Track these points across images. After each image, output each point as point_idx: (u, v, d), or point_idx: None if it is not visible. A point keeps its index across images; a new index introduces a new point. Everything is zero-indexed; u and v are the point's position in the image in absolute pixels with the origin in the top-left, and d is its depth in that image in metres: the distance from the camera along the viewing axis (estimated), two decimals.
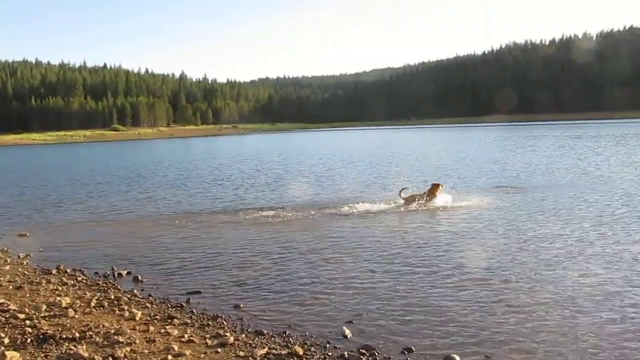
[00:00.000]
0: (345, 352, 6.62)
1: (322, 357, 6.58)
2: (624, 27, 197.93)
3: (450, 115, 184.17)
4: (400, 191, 18.15)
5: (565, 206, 17.08)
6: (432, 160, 38.69)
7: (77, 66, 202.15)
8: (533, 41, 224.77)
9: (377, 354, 6.62)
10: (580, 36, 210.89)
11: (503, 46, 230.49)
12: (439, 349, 6.79)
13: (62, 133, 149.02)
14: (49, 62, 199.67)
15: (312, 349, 6.85)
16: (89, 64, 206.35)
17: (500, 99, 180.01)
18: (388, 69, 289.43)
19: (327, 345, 6.99)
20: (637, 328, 7.23)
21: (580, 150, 42.87)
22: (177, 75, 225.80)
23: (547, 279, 9.57)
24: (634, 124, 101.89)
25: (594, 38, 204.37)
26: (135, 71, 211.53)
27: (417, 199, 17.74)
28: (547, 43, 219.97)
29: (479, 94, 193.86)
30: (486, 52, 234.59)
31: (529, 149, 48.12)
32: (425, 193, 18.04)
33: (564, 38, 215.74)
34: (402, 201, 17.89)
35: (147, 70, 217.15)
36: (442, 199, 17.99)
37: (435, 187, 18.18)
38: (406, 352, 6.74)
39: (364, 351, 6.68)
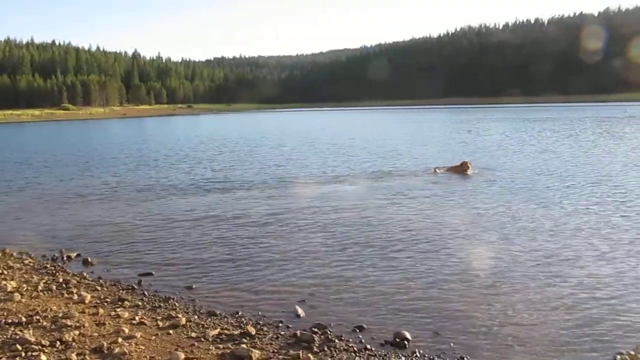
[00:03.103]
0: (298, 331, 6.69)
1: (275, 336, 6.63)
2: (574, 14, 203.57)
3: (405, 97, 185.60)
4: (435, 169, 21.84)
5: (512, 185, 17.61)
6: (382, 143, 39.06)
7: (23, 42, 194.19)
8: (488, 25, 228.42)
9: (329, 332, 6.71)
10: (532, 21, 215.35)
11: (458, 29, 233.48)
12: (390, 326, 6.94)
13: (8, 112, 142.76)
14: None
15: (265, 328, 6.89)
16: (37, 41, 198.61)
17: (456, 81, 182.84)
18: (344, 50, 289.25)
19: (280, 325, 7.04)
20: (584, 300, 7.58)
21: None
22: (130, 53, 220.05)
23: (496, 257, 9.87)
24: (582, 109, 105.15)
25: (546, 24, 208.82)
26: (86, 48, 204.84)
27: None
28: (500, 27, 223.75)
29: (434, 76, 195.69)
30: (442, 35, 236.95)
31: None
32: (458, 165, 21.46)
33: (517, 22, 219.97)
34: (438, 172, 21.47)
35: (98, 48, 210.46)
36: (471, 170, 21.15)
37: (465, 163, 21.44)
38: (357, 330, 6.85)
39: (316, 330, 6.76)
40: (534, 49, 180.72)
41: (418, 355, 6.13)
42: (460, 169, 20.90)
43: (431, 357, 6.04)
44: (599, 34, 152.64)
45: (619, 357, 5.94)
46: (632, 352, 5.95)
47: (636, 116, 66.94)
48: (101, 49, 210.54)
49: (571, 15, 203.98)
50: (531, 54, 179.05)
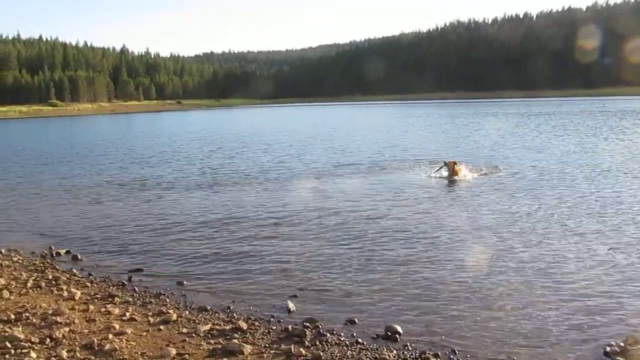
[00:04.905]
0: (290, 326, 6.68)
1: (266, 331, 6.62)
2: (563, 8, 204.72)
3: (396, 92, 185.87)
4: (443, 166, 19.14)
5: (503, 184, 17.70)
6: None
7: (10, 38, 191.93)
8: (476, 19, 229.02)
9: (320, 327, 6.70)
10: (521, 16, 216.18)
11: (447, 24, 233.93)
12: (381, 320, 6.95)
13: None
14: None
15: (256, 323, 6.88)
16: (23, 36, 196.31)
17: (446, 76, 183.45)
18: (334, 45, 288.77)
19: (271, 320, 7.04)
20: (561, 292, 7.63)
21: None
22: (118, 49, 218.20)
23: (489, 255, 9.92)
24: (568, 103, 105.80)
25: (534, 18, 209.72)
26: (74, 44, 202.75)
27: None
28: (489, 22, 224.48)
29: (425, 71, 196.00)
30: (431, 30, 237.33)
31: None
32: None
33: (506, 17, 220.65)
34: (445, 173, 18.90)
35: (85, 44, 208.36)
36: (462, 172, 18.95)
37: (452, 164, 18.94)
38: (349, 324, 6.86)
39: (307, 324, 6.76)
40: (525, 44, 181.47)
41: (409, 348, 6.14)
42: (451, 169, 18.58)
43: (422, 351, 6.05)
44: (593, 32, 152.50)
45: (608, 348, 5.99)
46: (622, 344, 6.00)
47: (611, 110, 67.51)
48: (89, 44, 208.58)
49: (559, 9, 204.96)
50: (522, 49, 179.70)
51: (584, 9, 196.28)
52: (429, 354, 5.95)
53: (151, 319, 6.96)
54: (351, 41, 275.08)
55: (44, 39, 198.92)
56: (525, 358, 5.90)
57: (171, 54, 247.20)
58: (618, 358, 5.79)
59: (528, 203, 14.05)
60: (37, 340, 6.12)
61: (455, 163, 18.82)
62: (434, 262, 9.35)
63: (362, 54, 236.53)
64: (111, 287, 8.49)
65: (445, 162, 19.18)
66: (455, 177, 18.28)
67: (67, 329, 6.48)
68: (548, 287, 7.94)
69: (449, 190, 16.71)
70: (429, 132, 42.90)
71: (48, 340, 6.14)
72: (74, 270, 9.47)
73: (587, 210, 12.92)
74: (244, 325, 6.68)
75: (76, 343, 6.11)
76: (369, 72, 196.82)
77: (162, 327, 6.70)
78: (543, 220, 12.15)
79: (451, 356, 5.96)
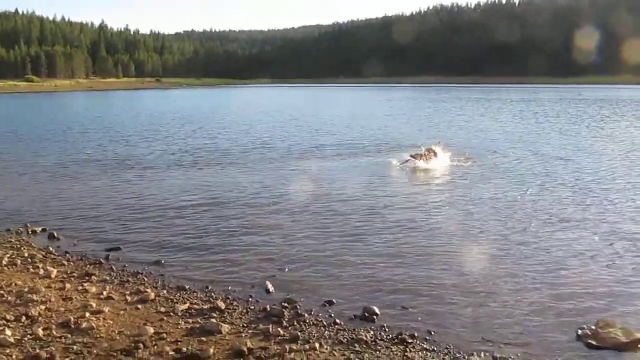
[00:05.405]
0: (268, 306, 6.71)
1: (245, 311, 6.64)
2: None
3: (379, 75, 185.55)
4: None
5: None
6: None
7: None
8: (459, 4, 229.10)
9: (299, 307, 6.75)
10: (503, 2, 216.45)
11: (430, 8, 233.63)
12: (359, 301, 7.02)
13: None
14: None
15: (235, 303, 6.90)
16: None
17: (430, 60, 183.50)
18: (317, 26, 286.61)
19: (250, 299, 7.06)
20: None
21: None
22: (97, 24, 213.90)
23: (466, 240, 10.06)
24: (547, 90, 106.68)
25: (517, 4, 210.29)
26: (51, 18, 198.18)
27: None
28: (472, 7, 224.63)
29: (407, 54, 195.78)
30: (414, 13, 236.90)
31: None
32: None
33: (488, 2, 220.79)
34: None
35: (63, 18, 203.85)
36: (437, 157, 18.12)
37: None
38: (327, 305, 6.91)
39: (286, 304, 6.81)
40: (507, 30, 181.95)
41: (386, 329, 6.20)
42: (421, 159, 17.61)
43: (399, 332, 6.11)
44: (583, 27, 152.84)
45: (580, 331, 6.13)
46: (593, 327, 6.14)
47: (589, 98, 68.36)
48: (66, 19, 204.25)
49: None
50: (504, 35, 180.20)
51: None
52: (405, 334, 6.02)
53: (129, 298, 6.94)
54: (334, 22, 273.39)
55: (20, 12, 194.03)
56: (499, 341, 5.99)
57: (151, 31, 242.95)
58: (589, 341, 5.93)
59: (508, 190, 14.23)
60: (13, 318, 6.06)
61: (421, 155, 17.73)
62: (413, 247, 9.42)
63: (345, 35, 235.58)
64: (88, 266, 8.43)
65: (412, 155, 17.97)
66: (430, 165, 17.52)
67: (43, 307, 6.43)
68: (524, 274, 8.05)
69: (429, 177, 16.79)
70: (411, 117, 42.96)
71: (24, 318, 6.09)
72: (51, 249, 9.37)
73: (566, 199, 13.13)
74: (222, 305, 6.69)
75: (52, 321, 6.07)
76: (352, 54, 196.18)
77: (139, 305, 6.68)
78: (522, 207, 12.32)
79: (427, 337, 6.04)
